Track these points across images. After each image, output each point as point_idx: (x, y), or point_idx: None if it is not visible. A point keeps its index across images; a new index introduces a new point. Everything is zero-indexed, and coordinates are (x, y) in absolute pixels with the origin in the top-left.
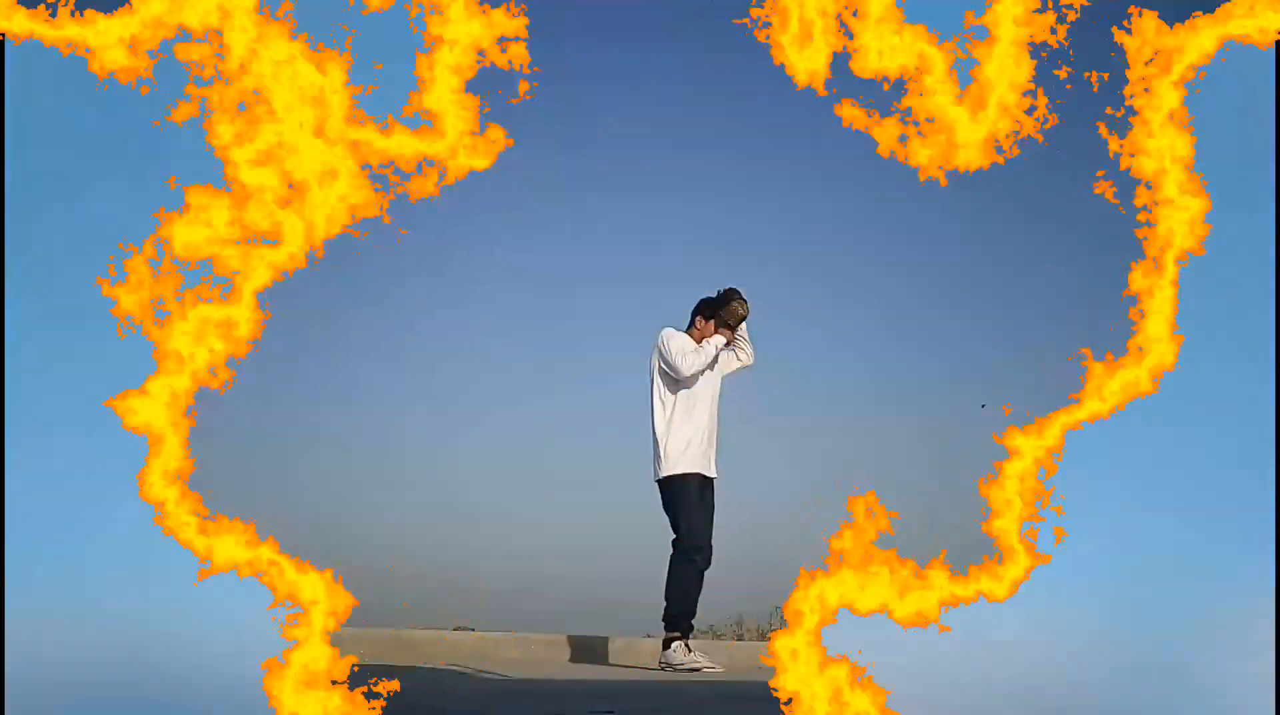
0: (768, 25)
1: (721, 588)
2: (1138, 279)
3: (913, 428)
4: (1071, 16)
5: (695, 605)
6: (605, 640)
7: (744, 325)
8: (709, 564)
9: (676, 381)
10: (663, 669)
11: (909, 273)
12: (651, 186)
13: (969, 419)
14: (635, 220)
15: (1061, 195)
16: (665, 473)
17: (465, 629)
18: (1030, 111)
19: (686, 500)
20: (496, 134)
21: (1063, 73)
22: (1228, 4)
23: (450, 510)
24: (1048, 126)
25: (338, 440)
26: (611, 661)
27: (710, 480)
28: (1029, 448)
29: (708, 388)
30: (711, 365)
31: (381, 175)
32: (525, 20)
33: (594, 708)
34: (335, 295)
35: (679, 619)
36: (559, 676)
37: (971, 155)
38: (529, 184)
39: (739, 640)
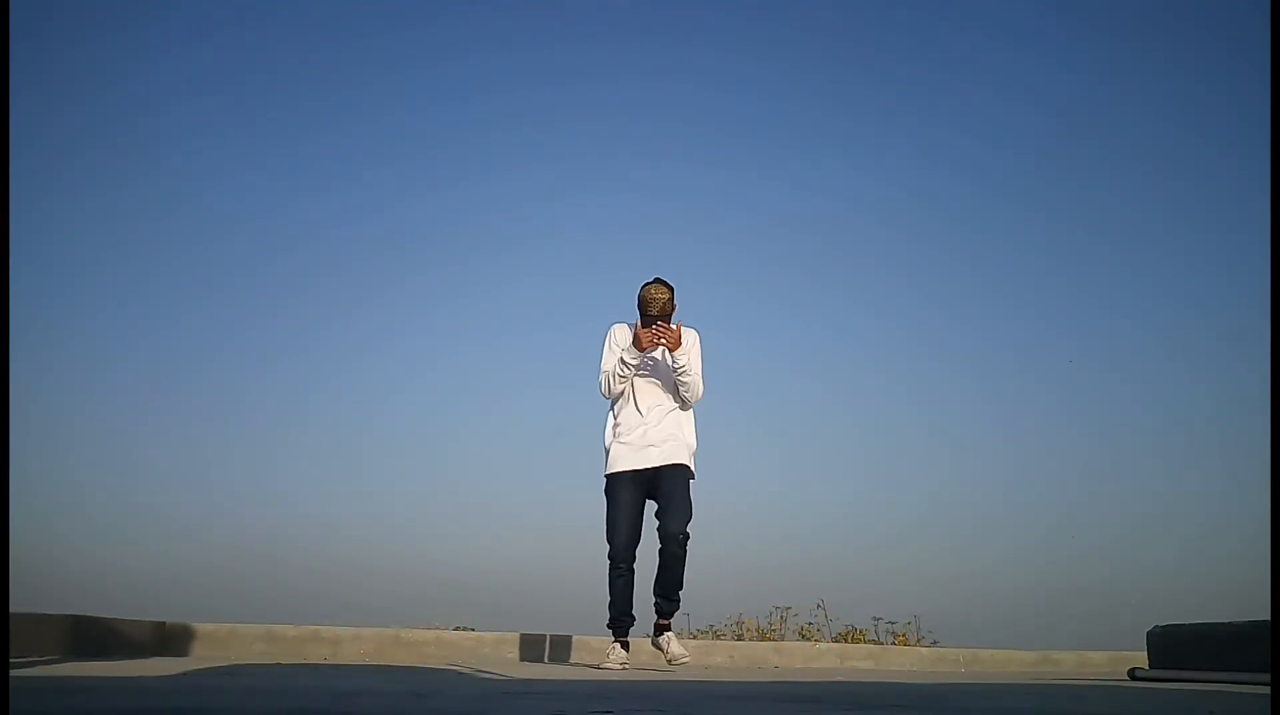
0: None
1: (722, 588)
2: None
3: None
4: None
5: (621, 607)
6: (605, 641)
7: (693, 360)
8: (684, 556)
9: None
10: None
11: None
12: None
13: None
14: (640, 221)
15: None
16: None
17: (465, 629)
18: None
19: (608, 502)
20: None
21: None
22: None
23: (450, 510)
24: None
25: (338, 441)
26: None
27: (656, 470)
28: None
29: (645, 383)
30: (634, 367)
31: None
32: None
33: (594, 708)
34: (335, 295)
35: (611, 622)
36: (559, 676)
37: None
38: (539, 184)
39: (739, 640)
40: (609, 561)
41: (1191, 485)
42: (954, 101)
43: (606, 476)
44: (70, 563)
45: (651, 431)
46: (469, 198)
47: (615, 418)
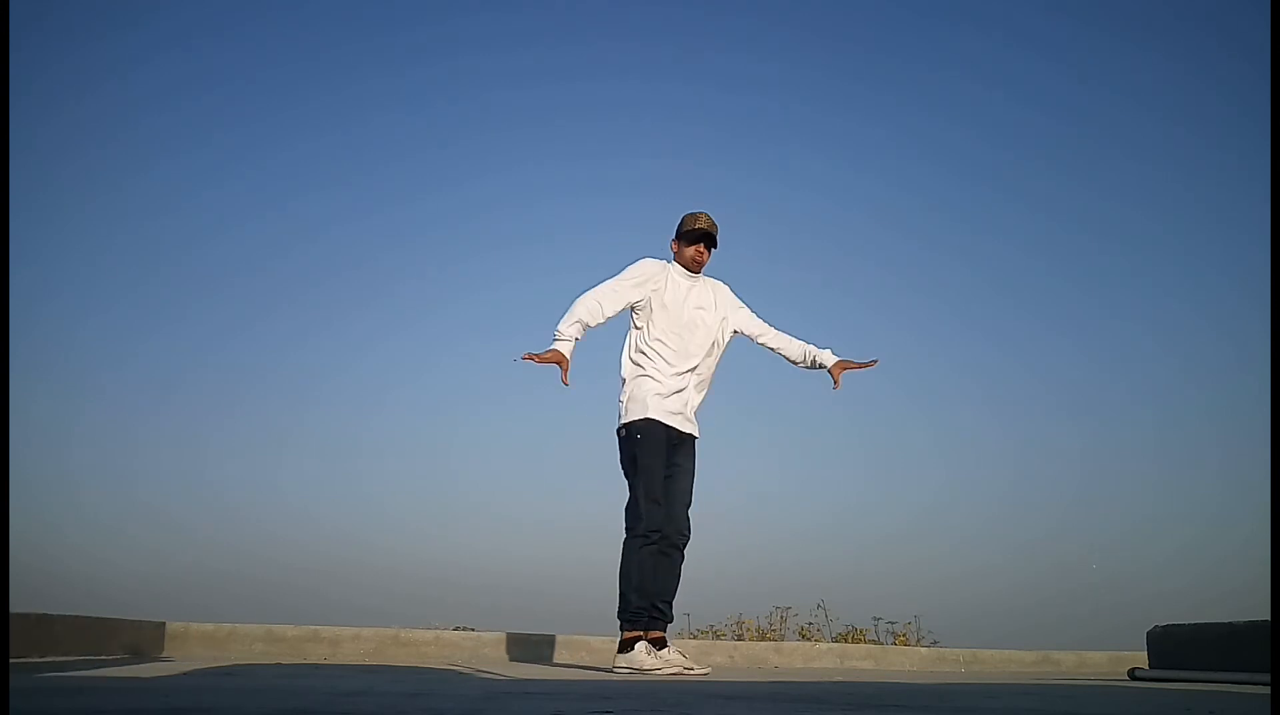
0: None
1: (722, 588)
2: None
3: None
4: None
5: (652, 591)
6: (605, 640)
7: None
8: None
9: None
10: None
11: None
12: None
13: None
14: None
15: None
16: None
17: (465, 629)
18: None
19: (642, 454)
20: None
21: None
22: None
23: (450, 510)
24: None
25: (338, 441)
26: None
27: (681, 436)
28: None
29: (698, 340)
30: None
31: None
32: None
33: (593, 707)
34: (335, 295)
35: (639, 610)
36: (558, 676)
37: None
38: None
39: (739, 640)
40: (641, 534)
41: (1191, 485)
42: (954, 101)
43: (642, 422)
44: (70, 563)
45: (689, 394)
46: (469, 198)
47: (655, 356)
